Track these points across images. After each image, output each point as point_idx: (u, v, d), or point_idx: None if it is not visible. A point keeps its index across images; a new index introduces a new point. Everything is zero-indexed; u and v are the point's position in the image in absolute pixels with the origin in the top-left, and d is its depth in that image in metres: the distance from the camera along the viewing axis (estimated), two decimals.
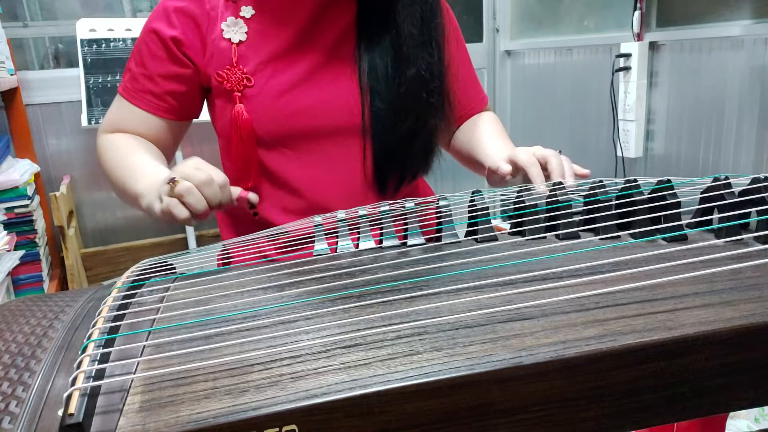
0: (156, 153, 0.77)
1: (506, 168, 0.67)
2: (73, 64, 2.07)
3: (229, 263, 0.73)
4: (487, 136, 0.83)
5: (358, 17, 0.76)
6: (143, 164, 0.71)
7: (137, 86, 0.77)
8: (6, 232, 1.57)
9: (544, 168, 0.65)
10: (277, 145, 0.76)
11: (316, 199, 0.76)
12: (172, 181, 0.59)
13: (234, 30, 0.74)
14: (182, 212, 0.59)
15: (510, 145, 0.81)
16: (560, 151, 0.67)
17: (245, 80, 0.73)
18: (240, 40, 0.74)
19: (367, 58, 0.75)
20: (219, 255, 0.76)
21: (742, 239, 0.43)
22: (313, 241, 0.54)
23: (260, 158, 0.76)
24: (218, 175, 0.61)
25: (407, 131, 0.75)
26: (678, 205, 0.46)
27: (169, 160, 0.80)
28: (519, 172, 0.68)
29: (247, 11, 0.75)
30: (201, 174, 0.60)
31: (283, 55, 0.74)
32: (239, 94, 0.73)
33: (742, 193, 0.45)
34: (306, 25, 0.75)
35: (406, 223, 0.52)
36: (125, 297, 0.43)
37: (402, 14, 0.73)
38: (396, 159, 0.77)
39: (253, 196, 0.66)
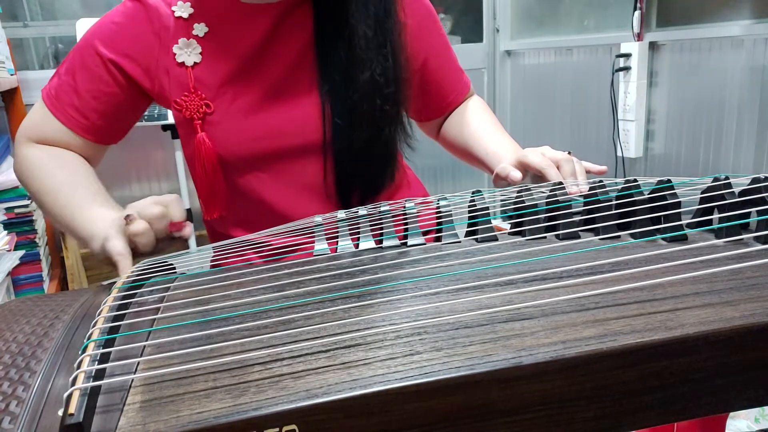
0: (91, 177, 0.72)
1: (517, 175, 0.66)
2: None
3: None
4: (482, 130, 0.81)
5: (315, 26, 0.72)
6: (89, 203, 0.66)
7: (62, 97, 0.72)
8: (6, 232, 1.57)
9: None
10: (248, 168, 0.73)
11: (296, 218, 0.74)
12: (127, 218, 0.56)
13: (187, 52, 0.70)
14: (126, 268, 0.56)
15: (508, 137, 0.80)
16: (569, 153, 0.66)
17: (204, 107, 0.70)
18: (195, 62, 0.71)
19: (324, 70, 0.71)
20: (212, 261, 0.76)
21: (742, 239, 0.43)
22: (299, 249, 0.53)
23: (234, 183, 0.74)
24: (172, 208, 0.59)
25: (363, 141, 0.71)
26: (678, 205, 0.46)
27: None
28: (527, 173, 0.67)
29: (200, 29, 0.71)
30: (155, 208, 0.57)
31: (243, 75, 0.71)
32: (200, 121, 0.70)
33: (742, 193, 0.45)
34: (263, 39, 0.71)
35: (406, 223, 0.52)
36: (125, 297, 0.43)
37: (355, 15, 0.69)
38: (356, 173, 0.74)
39: (187, 232, 0.62)
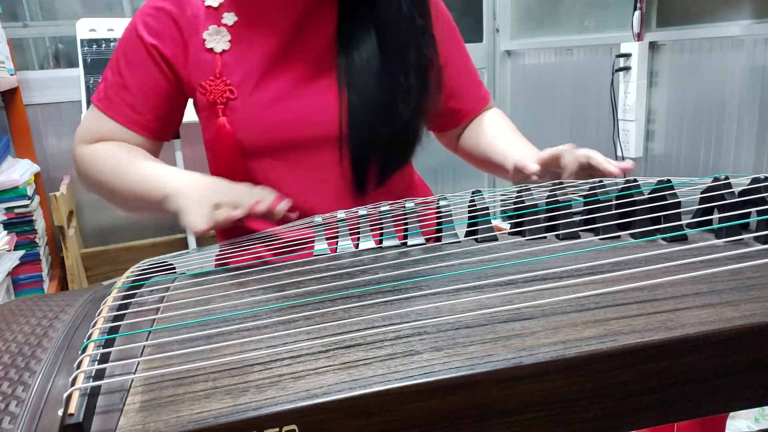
0: (147, 154, 0.74)
1: (534, 166, 0.66)
2: (73, 64, 2.07)
3: (226, 265, 0.73)
4: (501, 137, 0.82)
5: (340, 18, 0.74)
6: (160, 169, 0.68)
7: (112, 97, 0.73)
8: (6, 232, 1.57)
9: (587, 166, 0.64)
10: (265, 157, 0.74)
11: (308, 209, 0.73)
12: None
13: (216, 39, 0.72)
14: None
15: (529, 144, 0.80)
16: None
17: (228, 92, 0.72)
18: (223, 49, 0.72)
19: (346, 57, 0.73)
20: (216, 256, 0.76)
21: (742, 239, 0.43)
22: (308, 245, 0.53)
23: (250, 170, 0.75)
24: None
25: (400, 118, 0.73)
26: (678, 205, 0.46)
27: None
28: (547, 171, 0.67)
29: (229, 18, 0.73)
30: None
31: (269, 65, 0.73)
32: (222, 106, 0.72)
33: (742, 193, 0.45)
34: (290, 31, 0.73)
35: (406, 223, 0.52)
36: (125, 297, 0.43)
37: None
38: (376, 153, 0.75)
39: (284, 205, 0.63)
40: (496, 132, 0.83)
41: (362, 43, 0.73)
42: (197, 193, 0.61)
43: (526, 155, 0.72)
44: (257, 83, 0.72)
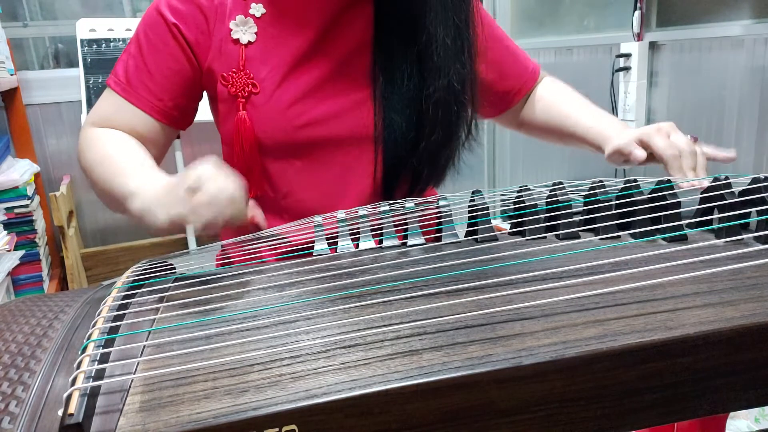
0: (148, 154, 0.70)
1: (642, 155, 0.65)
2: (73, 64, 2.07)
3: (227, 264, 0.73)
4: (575, 107, 0.83)
5: (375, 24, 0.72)
6: (137, 163, 0.65)
7: (133, 81, 0.71)
8: (6, 232, 1.57)
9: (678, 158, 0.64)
10: (283, 155, 0.73)
11: (321, 211, 0.72)
12: (192, 191, 0.51)
13: (243, 30, 0.71)
14: (198, 219, 0.50)
15: (603, 111, 0.80)
16: (696, 139, 0.65)
17: (250, 86, 0.70)
18: (249, 41, 0.71)
19: (383, 68, 0.71)
20: (218, 256, 0.75)
21: (742, 239, 0.43)
22: (310, 245, 0.53)
23: (267, 167, 0.74)
24: (239, 190, 0.53)
25: (435, 144, 0.71)
26: (678, 205, 0.46)
27: (157, 164, 0.72)
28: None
29: (257, 9, 0.71)
30: (223, 192, 0.51)
31: (295, 62, 0.71)
32: (243, 100, 0.70)
33: (742, 193, 0.45)
34: (320, 30, 0.71)
35: (406, 223, 0.52)
36: (125, 297, 0.43)
37: (435, 23, 0.69)
38: (408, 170, 0.73)
39: (262, 224, 0.61)
40: (567, 103, 0.84)
41: (401, 57, 0.71)
42: (158, 194, 0.55)
43: (614, 131, 0.72)
44: (281, 80, 0.71)
